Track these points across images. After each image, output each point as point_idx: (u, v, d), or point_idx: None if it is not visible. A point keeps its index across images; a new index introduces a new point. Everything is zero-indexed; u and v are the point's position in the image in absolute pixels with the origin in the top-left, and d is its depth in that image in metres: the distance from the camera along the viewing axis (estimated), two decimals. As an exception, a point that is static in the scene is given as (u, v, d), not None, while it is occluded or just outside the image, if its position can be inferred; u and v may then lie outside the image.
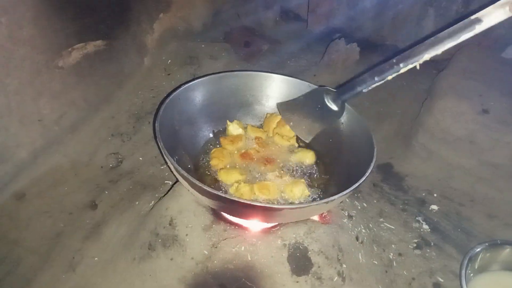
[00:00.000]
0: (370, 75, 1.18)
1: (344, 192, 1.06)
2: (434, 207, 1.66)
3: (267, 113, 1.57)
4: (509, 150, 1.68)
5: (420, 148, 1.87)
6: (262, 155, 1.42)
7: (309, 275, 1.14)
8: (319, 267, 1.16)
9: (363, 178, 1.10)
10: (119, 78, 1.97)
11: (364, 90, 1.22)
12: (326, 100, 1.33)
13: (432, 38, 1.03)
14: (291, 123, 1.44)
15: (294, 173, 1.39)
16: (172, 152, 1.16)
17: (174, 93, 1.35)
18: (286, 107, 1.48)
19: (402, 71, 1.11)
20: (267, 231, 1.21)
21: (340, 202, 1.38)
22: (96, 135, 1.77)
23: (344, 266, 1.21)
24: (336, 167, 1.41)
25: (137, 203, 1.50)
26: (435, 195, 1.72)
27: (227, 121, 1.51)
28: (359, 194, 1.64)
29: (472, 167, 1.75)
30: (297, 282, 1.13)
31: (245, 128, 1.51)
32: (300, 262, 1.15)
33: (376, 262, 1.36)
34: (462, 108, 1.79)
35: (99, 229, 1.43)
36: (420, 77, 2.29)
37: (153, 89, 2.09)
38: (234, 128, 1.49)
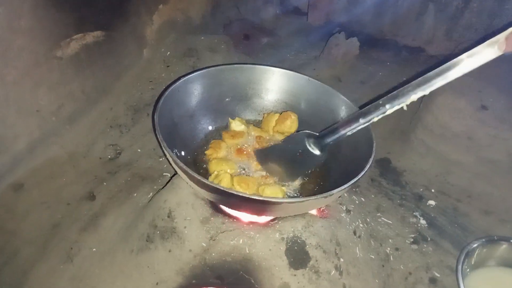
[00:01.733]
0: (355, 117, 1.15)
1: (343, 187, 1.06)
2: (432, 202, 1.67)
3: (264, 113, 1.57)
4: (506, 146, 1.68)
5: (418, 144, 1.87)
6: None
7: (307, 268, 1.15)
8: (316, 260, 1.16)
9: (362, 173, 1.10)
10: (118, 69, 1.96)
11: (348, 133, 1.18)
12: (307, 144, 1.27)
13: (420, 78, 1.00)
14: (270, 171, 1.38)
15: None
16: (171, 144, 1.16)
17: (173, 85, 1.35)
18: (264, 154, 1.41)
19: (388, 112, 1.08)
20: (266, 224, 1.21)
21: (339, 197, 1.38)
22: (94, 126, 1.77)
23: (342, 260, 1.22)
24: (335, 162, 1.41)
25: (135, 195, 1.50)
26: (432, 190, 1.73)
27: (229, 118, 1.51)
28: (357, 189, 1.64)
29: (470, 163, 1.76)
30: (295, 275, 1.13)
31: (248, 126, 1.51)
32: (297, 255, 1.15)
33: (373, 257, 1.37)
34: (461, 104, 1.79)
35: (97, 221, 1.43)
36: (420, 72, 2.28)
37: (152, 81, 2.08)
38: (236, 125, 1.49)
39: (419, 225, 1.56)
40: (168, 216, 1.22)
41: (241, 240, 1.15)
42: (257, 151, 1.42)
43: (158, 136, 1.13)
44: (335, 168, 1.40)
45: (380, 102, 1.08)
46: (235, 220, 1.20)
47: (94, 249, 1.35)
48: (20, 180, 1.47)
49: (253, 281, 1.13)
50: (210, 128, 1.51)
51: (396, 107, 1.05)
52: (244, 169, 1.35)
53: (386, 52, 2.56)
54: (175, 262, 1.18)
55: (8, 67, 1.37)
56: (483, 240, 1.32)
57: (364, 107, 1.12)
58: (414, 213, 1.61)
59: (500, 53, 0.89)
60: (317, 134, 1.25)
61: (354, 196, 1.56)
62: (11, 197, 1.43)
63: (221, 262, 1.15)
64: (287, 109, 1.56)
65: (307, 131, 1.29)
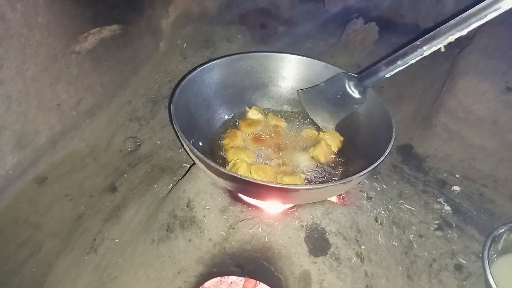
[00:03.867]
0: (392, 59, 1.15)
1: (362, 173, 1.04)
2: (456, 188, 1.63)
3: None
4: (533, 129, 1.63)
5: (441, 129, 1.83)
6: (274, 142, 1.41)
7: (327, 255, 1.13)
8: (337, 247, 1.15)
9: (381, 158, 1.08)
10: (135, 62, 1.97)
11: (387, 75, 1.18)
12: (347, 86, 1.28)
13: (456, 18, 0.98)
14: (312, 112, 1.40)
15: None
16: (188, 134, 1.16)
17: (190, 75, 1.35)
18: (307, 95, 1.44)
19: (426, 53, 1.07)
20: (284, 212, 1.20)
21: (359, 183, 1.36)
22: (114, 119, 1.79)
23: (363, 247, 1.20)
24: (354, 148, 1.39)
25: (155, 186, 1.51)
26: (457, 176, 1.69)
27: (246, 107, 1.51)
28: (378, 176, 1.62)
29: (495, 147, 1.71)
30: (315, 262, 1.12)
31: (266, 115, 1.50)
32: (317, 243, 1.14)
33: (395, 244, 1.35)
34: (484, 87, 1.73)
35: (119, 212, 1.45)
36: (441, 57, 2.23)
37: (169, 73, 2.09)
38: (253, 114, 1.49)
39: (443, 211, 1.53)
40: (187, 206, 1.23)
41: (260, 228, 1.15)
42: (299, 91, 1.43)
43: (175, 127, 1.13)
44: (354, 154, 1.37)
45: (418, 43, 1.07)
46: (253, 208, 1.20)
47: (116, 240, 1.37)
48: (43, 173, 1.50)
49: (273, 269, 1.13)
50: (227, 117, 1.50)
51: (434, 48, 1.04)
52: (261, 159, 1.34)
53: (406, 36, 2.48)
54: (195, 251, 1.18)
55: (27, 63, 1.39)
56: (510, 225, 1.28)
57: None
58: (438, 199, 1.57)
59: None
60: (357, 76, 1.26)
61: (375, 183, 1.53)
62: (35, 190, 1.46)
63: (241, 250, 1.15)
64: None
65: (348, 72, 1.29)
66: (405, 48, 1.11)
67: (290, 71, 1.54)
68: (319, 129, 1.47)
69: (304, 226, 1.15)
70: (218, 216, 1.19)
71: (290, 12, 2.80)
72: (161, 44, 2.15)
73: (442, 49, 1.04)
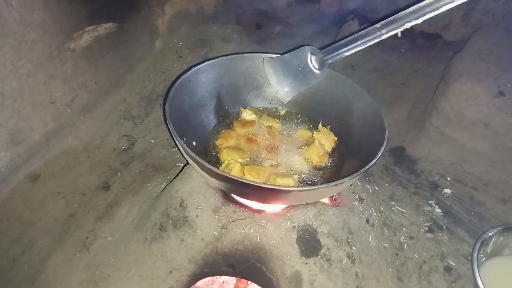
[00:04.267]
0: (353, 38, 1.21)
1: (354, 175, 1.05)
2: (447, 190, 1.64)
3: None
4: (525, 134, 1.65)
5: (433, 132, 1.84)
6: (268, 143, 1.41)
7: (318, 257, 1.14)
8: (328, 249, 1.16)
9: (374, 161, 1.09)
10: (130, 60, 1.98)
11: (346, 54, 1.25)
12: (309, 60, 1.34)
13: (414, 6, 1.05)
14: (273, 81, 1.44)
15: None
16: (182, 134, 1.16)
17: (184, 75, 1.35)
18: (271, 64, 1.47)
19: (383, 37, 1.15)
20: (277, 213, 1.21)
21: (351, 185, 1.37)
22: (108, 117, 1.79)
23: (354, 248, 1.21)
24: (347, 149, 1.40)
25: (148, 185, 1.51)
26: (448, 178, 1.70)
27: (241, 107, 1.52)
28: (370, 178, 1.63)
29: (487, 151, 1.72)
30: (306, 263, 1.13)
31: (260, 116, 1.51)
32: (309, 244, 1.15)
33: (386, 245, 1.36)
34: (477, 91, 1.75)
35: (112, 210, 1.45)
36: (435, 60, 2.26)
37: (165, 72, 2.09)
38: (247, 114, 1.50)
39: (434, 213, 1.54)
40: (180, 205, 1.23)
41: (252, 229, 1.16)
42: (265, 59, 1.45)
43: (169, 126, 1.13)
44: (347, 155, 1.38)
45: (378, 26, 1.14)
46: (246, 209, 1.21)
47: (109, 238, 1.37)
48: (36, 171, 1.51)
49: (264, 269, 1.14)
50: (221, 117, 1.51)
51: (391, 33, 1.12)
52: (254, 159, 1.34)
53: (401, 39, 2.49)
54: (187, 251, 1.19)
55: (22, 60, 1.39)
56: (499, 228, 1.30)
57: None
58: (429, 202, 1.59)
59: None
60: (320, 51, 1.32)
61: (367, 185, 1.54)
62: (28, 187, 1.46)
63: (233, 250, 1.16)
64: (299, 97, 1.55)
65: (311, 46, 1.35)
66: (366, 29, 1.17)
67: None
68: (313, 130, 1.48)
69: (296, 227, 1.16)
70: (210, 216, 1.19)
71: (286, 13, 2.81)
72: (157, 43, 2.15)
73: (399, 35, 1.12)
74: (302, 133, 1.47)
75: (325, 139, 1.41)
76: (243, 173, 1.23)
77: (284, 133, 1.48)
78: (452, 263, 1.37)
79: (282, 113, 1.57)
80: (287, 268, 1.13)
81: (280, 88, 1.45)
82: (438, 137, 1.83)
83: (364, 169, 1.06)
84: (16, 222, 1.38)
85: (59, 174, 1.54)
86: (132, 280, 1.24)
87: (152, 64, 2.10)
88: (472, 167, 1.73)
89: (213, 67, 1.45)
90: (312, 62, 1.34)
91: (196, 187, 1.25)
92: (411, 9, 1.05)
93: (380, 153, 1.12)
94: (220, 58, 1.47)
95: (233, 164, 1.23)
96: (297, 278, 1.13)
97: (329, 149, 1.41)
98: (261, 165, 1.31)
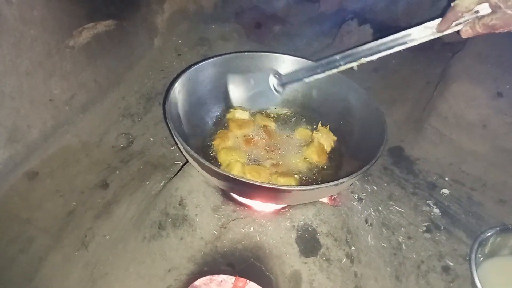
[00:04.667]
0: (314, 67, 1.30)
1: (354, 175, 1.05)
2: (445, 191, 1.65)
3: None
4: (523, 135, 1.65)
5: (432, 132, 1.85)
6: (266, 143, 1.41)
7: (318, 256, 1.15)
8: (327, 248, 1.16)
9: (373, 161, 1.09)
10: (129, 59, 1.97)
11: (306, 80, 1.34)
12: (271, 83, 1.43)
13: (370, 44, 1.15)
14: (234, 93, 1.51)
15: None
16: (182, 132, 1.16)
17: (184, 73, 1.35)
18: (235, 80, 1.52)
19: (341, 69, 1.23)
20: (276, 212, 1.21)
21: (350, 185, 1.38)
22: (107, 115, 1.78)
23: (353, 248, 1.21)
24: (347, 149, 1.40)
25: (147, 183, 1.51)
26: (446, 179, 1.71)
27: (231, 109, 1.51)
28: (369, 177, 1.63)
29: (485, 152, 1.73)
30: (305, 263, 1.13)
31: (254, 115, 1.51)
32: (308, 243, 1.15)
33: (385, 245, 1.36)
34: (476, 92, 1.75)
35: (110, 208, 1.45)
36: (434, 61, 2.26)
37: (164, 70, 2.08)
38: (240, 114, 1.48)
39: (432, 213, 1.55)
40: (180, 204, 1.23)
41: (252, 228, 1.16)
42: (230, 76, 1.50)
43: (169, 124, 1.13)
44: (347, 156, 1.39)
45: (337, 58, 1.22)
46: (246, 208, 1.21)
47: (107, 237, 1.37)
48: (34, 168, 1.50)
49: (264, 269, 1.14)
50: (220, 116, 1.50)
51: (349, 65, 1.20)
52: (254, 160, 1.34)
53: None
54: (186, 250, 1.19)
55: (21, 57, 1.39)
56: (497, 229, 1.30)
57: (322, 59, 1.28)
58: (427, 202, 1.59)
59: (437, 35, 1.07)
60: (282, 74, 1.42)
61: (366, 185, 1.55)
62: (26, 185, 1.46)
63: (232, 249, 1.16)
64: (298, 97, 1.55)
65: (275, 69, 1.45)
66: (326, 59, 1.26)
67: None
68: (312, 129, 1.48)
69: (296, 227, 1.16)
70: (210, 215, 1.19)
71: (286, 12, 2.81)
72: (156, 41, 2.15)
73: (355, 68, 1.20)
74: (302, 132, 1.47)
75: (325, 139, 1.41)
76: (244, 173, 1.23)
77: (284, 132, 1.48)
78: (450, 263, 1.38)
79: (281, 112, 1.57)
80: (287, 267, 1.13)
81: (241, 101, 1.52)
82: (437, 137, 1.83)
83: (364, 169, 1.07)
84: (14, 220, 1.37)
85: (58, 172, 1.53)
86: (131, 278, 1.24)
87: (151, 62, 2.09)
88: (470, 168, 1.73)
89: (212, 66, 1.45)
90: (274, 84, 1.43)
91: (196, 186, 1.25)
92: (368, 45, 1.15)
93: (379, 154, 1.12)
94: (219, 57, 1.47)
95: (234, 164, 1.23)
96: (296, 278, 1.13)
97: (329, 149, 1.41)
98: (261, 165, 1.31)
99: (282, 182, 1.22)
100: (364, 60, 1.17)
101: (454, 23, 1.02)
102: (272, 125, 1.48)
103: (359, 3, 2.71)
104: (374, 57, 1.15)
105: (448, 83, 1.85)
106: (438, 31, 1.05)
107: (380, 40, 1.13)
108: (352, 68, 1.21)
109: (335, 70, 1.24)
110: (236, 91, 1.51)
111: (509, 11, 0.91)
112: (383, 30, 2.54)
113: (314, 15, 2.82)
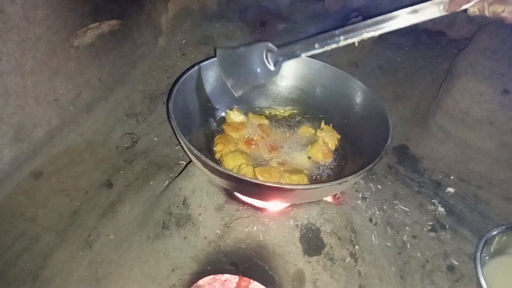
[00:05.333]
0: (311, 41, 1.20)
1: (358, 173, 1.04)
2: (451, 189, 1.64)
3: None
4: (530, 132, 1.64)
5: (437, 130, 1.84)
6: (266, 141, 1.40)
7: (321, 255, 1.14)
8: (331, 247, 1.16)
9: (377, 160, 1.09)
10: (134, 58, 1.97)
11: (303, 55, 1.23)
12: (264, 56, 1.30)
13: (373, 19, 1.07)
14: (226, 73, 1.36)
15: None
16: (186, 132, 1.16)
17: (188, 72, 1.35)
18: (225, 56, 1.39)
19: (341, 44, 1.14)
20: (280, 211, 1.21)
21: (354, 184, 1.37)
22: (111, 115, 1.79)
23: (357, 247, 1.21)
24: (351, 147, 1.39)
25: (151, 182, 1.52)
26: (452, 177, 1.70)
27: (227, 110, 1.49)
28: (373, 176, 1.62)
29: (491, 149, 1.71)
30: (309, 262, 1.13)
31: (247, 115, 1.49)
32: (312, 242, 1.15)
33: (389, 244, 1.36)
34: (482, 88, 1.74)
35: (115, 208, 1.45)
36: (440, 57, 2.24)
37: (168, 69, 2.09)
38: (235, 116, 1.46)
39: (437, 212, 1.54)
40: (183, 203, 1.23)
41: (255, 227, 1.16)
42: (218, 50, 1.37)
43: (172, 124, 1.13)
44: (351, 154, 1.38)
45: (336, 33, 1.14)
46: (249, 207, 1.20)
47: (111, 236, 1.37)
48: (39, 167, 1.51)
49: (267, 268, 1.14)
50: (224, 115, 1.50)
51: (349, 41, 1.12)
52: (260, 160, 1.33)
53: (405, 36, 2.49)
54: (190, 249, 1.19)
55: (26, 56, 1.39)
56: (503, 227, 1.29)
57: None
58: (432, 201, 1.58)
59: (443, 13, 0.98)
60: (276, 48, 1.29)
61: (370, 184, 1.54)
62: (31, 184, 1.47)
63: (236, 249, 1.16)
64: (302, 95, 1.54)
65: (268, 43, 1.31)
66: (324, 34, 1.17)
67: (289, 70, 1.54)
68: (315, 127, 1.47)
69: (299, 226, 1.16)
70: (213, 214, 1.19)
71: (290, 10, 2.79)
72: (160, 40, 2.15)
73: (356, 44, 1.12)
74: (305, 130, 1.46)
75: (329, 137, 1.40)
76: (255, 175, 1.21)
77: (286, 130, 1.47)
78: (455, 262, 1.37)
79: (285, 111, 1.56)
80: (290, 266, 1.13)
81: (232, 81, 1.36)
82: (442, 135, 1.82)
83: (368, 167, 1.06)
84: (19, 219, 1.38)
85: (63, 171, 1.54)
86: (135, 278, 1.24)
87: (155, 61, 2.09)
88: (476, 166, 1.72)
89: (216, 65, 1.44)
90: (268, 58, 1.30)
91: (199, 185, 1.25)
92: (370, 21, 1.08)
93: (383, 152, 1.12)
94: (223, 56, 1.46)
95: (246, 169, 1.22)
96: (300, 277, 1.12)
97: (333, 147, 1.40)
98: (267, 165, 1.30)
99: (296, 179, 1.22)
100: (365, 35, 1.10)
101: (464, 6, 0.97)
102: (265, 122, 1.47)
103: (363, 0, 2.70)
104: (376, 33, 1.09)
105: (453, 80, 1.84)
106: (446, 11, 0.99)
107: (384, 15, 1.07)
108: (354, 43, 1.13)
109: (334, 46, 1.16)
110: (225, 69, 1.37)
111: None
112: (388, 27, 2.53)
113: (318, 12, 2.80)
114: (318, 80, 1.51)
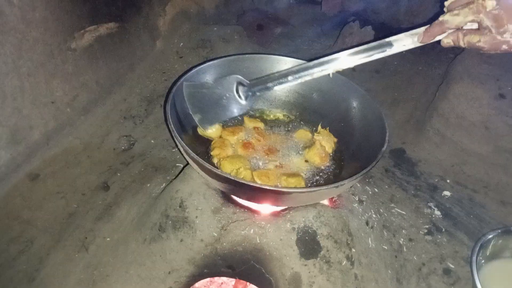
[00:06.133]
0: (285, 73, 1.21)
1: (354, 177, 1.05)
2: (447, 193, 1.64)
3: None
4: (525, 136, 1.65)
5: (434, 134, 1.84)
6: (263, 144, 1.40)
7: (318, 258, 1.14)
8: (327, 250, 1.16)
9: (374, 163, 1.09)
10: (131, 60, 1.98)
11: (275, 87, 1.24)
12: (235, 90, 1.31)
13: (349, 50, 1.10)
14: (193, 107, 1.33)
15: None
16: (183, 134, 1.16)
17: (185, 75, 1.35)
18: (191, 89, 1.36)
19: (315, 76, 1.16)
20: (276, 214, 1.21)
21: (351, 187, 1.37)
22: (108, 117, 1.79)
23: (353, 250, 1.21)
24: (348, 151, 1.40)
25: (148, 185, 1.51)
26: (448, 181, 1.70)
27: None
28: (370, 179, 1.63)
29: (487, 153, 1.73)
30: (306, 265, 1.13)
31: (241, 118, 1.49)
32: (308, 245, 1.15)
33: (386, 247, 1.36)
34: (478, 93, 1.75)
35: (111, 210, 1.45)
36: (436, 62, 2.26)
37: (165, 72, 2.09)
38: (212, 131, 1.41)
39: (433, 216, 1.54)
40: (180, 206, 1.23)
41: (252, 230, 1.16)
42: (185, 83, 1.34)
43: (169, 126, 1.13)
44: (347, 158, 1.38)
45: (311, 65, 1.16)
46: (246, 210, 1.21)
47: (108, 238, 1.37)
48: (36, 169, 1.50)
49: (264, 271, 1.14)
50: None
51: (324, 73, 1.14)
52: (257, 164, 1.33)
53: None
54: (186, 252, 1.19)
55: (23, 58, 1.39)
56: (499, 231, 1.30)
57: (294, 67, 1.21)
58: (429, 204, 1.59)
59: (417, 44, 1.03)
60: (248, 82, 1.30)
61: (367, 187, 1.54)
62: (28, 186, 1.46)
63: (232, 251, 1.16)
64: (299, 99, 1.55)
65: (239, 76, 1.32)
66: (298, 66, 1.19)
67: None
68: (312, 130, 1.47)
69: (296, 229, 1.16)
70: (210, 217, 1.19)
71: (288, 14, 2.81)
72: (158, 43, 2.15)
73: (331, 75, 1.16)
74: (302, 133, 1.47)
75: (326, 141, 1.41)
76: (253, 179, 1.22)
77: (283, 134, 1.47)
78: (451, 265, 1.37)
79: (282, 114, 1.57)
80: (287, 269, 1.13)
81: (199, 116, 1.34)
82: (438, 139, 1.83)
83: (364, 171, 1.06)
84: (15, 221, 1.38)
85: (59, 173, 1.53)
86: (131, 280, 1.24)
87: (153, 64, 2.10)
88: (472, 169, 1.73)
89: (214, 68, 1.45)
90: (239, 92, 1.31)
91: (196, 188, 1.25)
92: (343, 53, 1.10)
93: (380, 155, 1.12)
94: (221, 59, 1.47)
95: (244, 173, 1.22)
96: (296, 280, 1.13)
97: (330, 151, 1.40)
98: (265, 168, 1.30)
99: (293, 182, 1.22)
100: (340, 67, 1.13)
101: (438, 37, 1.00)
102: (261, 125, 1.48)
103: (361, 4, 2.71)
104: (351, 65, 1.11)
105: (450, 84, 1.85)
106: (420, 42, 1.02)
107: (358, 47, 1.10)
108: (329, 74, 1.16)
109: (308, 78, 1.18)
110: (196, 106, 1.34)
111: (499, 37, 0.89)
112: (385, 31, 2.55)
113: (316, 16, 2.82)
114: (315, 84, 1.51)
